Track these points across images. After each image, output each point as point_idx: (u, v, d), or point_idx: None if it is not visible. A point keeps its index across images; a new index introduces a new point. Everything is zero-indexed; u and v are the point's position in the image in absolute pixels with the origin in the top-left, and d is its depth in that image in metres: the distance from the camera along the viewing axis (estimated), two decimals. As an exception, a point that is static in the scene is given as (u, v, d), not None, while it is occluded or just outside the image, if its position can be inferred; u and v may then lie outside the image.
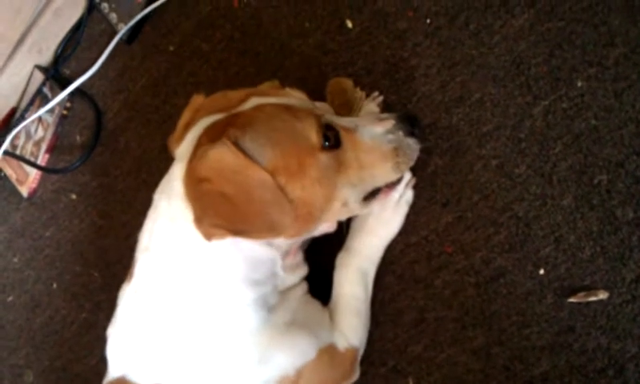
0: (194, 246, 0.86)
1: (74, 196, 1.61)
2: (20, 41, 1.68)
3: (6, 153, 1.68)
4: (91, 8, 1.69)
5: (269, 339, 0.91)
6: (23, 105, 1.76)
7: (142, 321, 0.91)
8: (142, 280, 0.91)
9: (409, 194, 1.06)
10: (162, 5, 1.55)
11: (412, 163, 0.97)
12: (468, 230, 1.03)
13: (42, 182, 1.69)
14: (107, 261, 1.48)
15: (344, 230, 1.05)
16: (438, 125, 1.09)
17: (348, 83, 1.15)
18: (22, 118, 1.74)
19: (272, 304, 0.93)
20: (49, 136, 1.68)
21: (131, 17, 1.56)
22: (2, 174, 1.78)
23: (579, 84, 0.99)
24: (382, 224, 1.06)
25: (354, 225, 1.06)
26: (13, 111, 1.81)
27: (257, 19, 1.38)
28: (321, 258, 1.05)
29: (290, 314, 0.95)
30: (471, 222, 1.03)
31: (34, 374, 1.56)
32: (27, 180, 1.69)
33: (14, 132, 1.70)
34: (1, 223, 1.76)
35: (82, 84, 1.64)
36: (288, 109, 0.89)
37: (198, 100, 0.99)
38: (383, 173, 0.96)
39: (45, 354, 1.55)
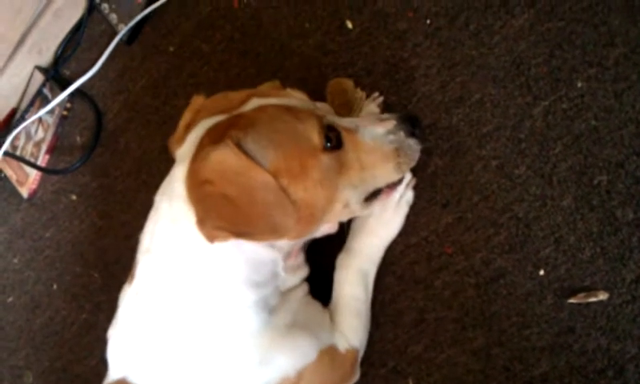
0: (195, 248, 0.85)
1: (74, 197, 1.61)
2: (20, 41, 1.68)
3: (6, 154, 1.68)
4: (91, 9, 1.69)
5: (269, 341, 0.91)
6: (23, 106, 1.76)
7: (143, 322, 0.91)
8: (144, 282, 0.91)
9: (409, 195, 1.06)
10: (162, 5, 1.55)
11: (413, 164, 0.97)
12: (468, 230, 1.03)
13: (42, 183, 1.69)
14: (107, 261, 1.48)
15: (345, 230, 1.06)
16: (438, 125, 1.09)
17: (348, 83, 1.15)
18: (22, 118, 1.74)
19: (273, 305, 0.93)
20: (49, 137, 1.68)
21: (131, 17, 1.56)
22: (2, 175, 1.78)
23: (579, 84, 0.99)
24: (382, 225, 1.06)
25: (355, 226, 1.06)
26: (13, 112, 1.81)
27: (257, 20, 1.38)
28: (321, 259, 1.05)
29: (290, 316, 0.95)
30: (471, 222, 1.03)
31: (34, 375, 1.56)
32: (27, 181, 1.69)
33: (14, 133, 1.70)
34: (1, 224, 1.76)
35: (82, 85, 1.64)
36: (289, 110, 0.89)
37: (198, 101, 0.99)
38: (384, 173, 0.96)
39: (45, 355, 1.55)
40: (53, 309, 1.56)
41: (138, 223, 0.93)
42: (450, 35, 1.11)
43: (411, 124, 0.96)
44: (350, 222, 1.06)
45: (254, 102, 0.91)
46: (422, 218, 1.07)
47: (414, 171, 1.04)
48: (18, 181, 1.72)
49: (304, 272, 1.02)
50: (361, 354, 1.03)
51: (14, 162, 1.73)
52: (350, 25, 1.23)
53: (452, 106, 1.08)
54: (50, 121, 1.69)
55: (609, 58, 0.97)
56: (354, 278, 1.04)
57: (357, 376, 1.04)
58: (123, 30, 1.57)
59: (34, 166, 1.65)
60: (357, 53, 1.21)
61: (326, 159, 0.88)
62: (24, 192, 1.70)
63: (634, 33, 0.96)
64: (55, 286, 1.58)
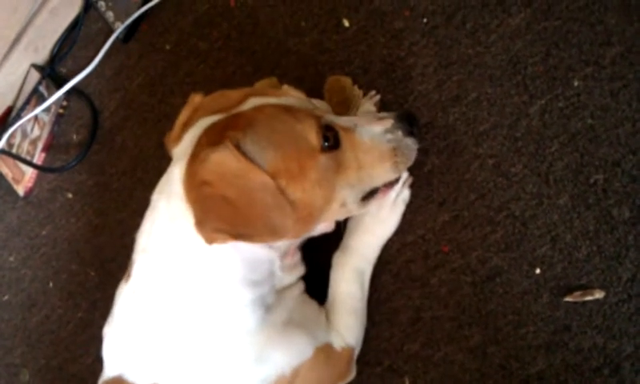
0: (192, 247, 0.85)
1: (70, 195, 1.61)
2: (16, 39, 1.67)
3: (2, 152, 1.68)
4: (88, 7, 1.69)
5: (266, 339, 0.91)
6: (19, 103, 1.76)
7: (139, 320, 0.90)
8: (141, 280, 0.90)
9: (405, 193, 1.06)
10: (158, 3, 1.55)
11: (410, 163, 0.97)
12: (464, 229, 1.03)
13: (38, 181, 1.69)
14: (103, 259, 1.48)
15: (342, 229, 1.06)
16: (434, 124, 1.09)
17: (346, 81, 1.15)
18: (18, 116, 1.73)
19: (269, 303, 0.93)
20: (45, 135, 1.67)
21: (128, 15, 1.56)
22: (-2, 173, 1.78)
23: (575, 83, 0.99)
24: (378, 223, 1.06)
25: (351, 224, 1.06)
26: (9, 110, 1.80)
27: (253, 18, 1.38)
28: (317, 257, 1.05)
29: (286, 314, 0.95)
30: (468, 221, 1.03)
31: (30, 373, 1.56)
32: (23, 179, 1.69)
33: (10, 131, 1.70)
34: (-3, 222, 1.76)
35: (79, 83, 1.64)
36: (287, 110, 0.89)
37: (196, 99, 0.98)
38: (382, 173, 0.95)
39: (41, 352, 1.55)
40: (49, 307, 1.56)
41: (134, 221, 0.93)
42: (446, 34, 1.12)
43: (409, 123, 0.96)
44: (346, 220, 1.06)
45: (252, 102, 0.90)
46: (418, 217, 1.07)
47: (411, 170, 1.04)
48: (14, 179, 1.72)
49: (300, 271, 1.01)
50: (357, 352, 1.03)
51: (10, 160, 1.73)
52: (346, 23, 1.23)
53: (448, 104, 1.08)
54: (46, 119, 1.68)
55: (605, 57, 0.98)
56: (350, 277, 1.04)
57: (353, 374, 1.04)
58: (120, 28, 1.57)
59: (30, 164, 1.65)
60: (353, 51, 1.21)
61: (323, 159, 0.88)
62: (20, 190, 1.70)
63: (630, 32, 0.96)
64: (51, 284, 1.58)
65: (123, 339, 0.93)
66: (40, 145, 1.68)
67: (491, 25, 1.07)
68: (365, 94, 1.14)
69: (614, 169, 0.94)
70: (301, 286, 1.01)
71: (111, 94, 1.59)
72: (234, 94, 0.94)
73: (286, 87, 1.01)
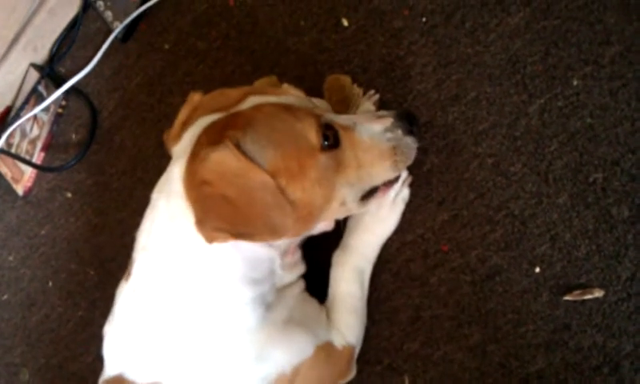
0: (192, 246, 0.85)
1: (69, 194, 1.60)
2: (15, 39, 1.67)
3: (1, 151, 1.68)
4: (86, 6, 1.69)
5: (266, 337, 0.91)
6: (18, 103, 1.76)
7: (139, 319, 0.90)
8: (141, 279, 0.90)
9: (405, 192, 1.06)
10: (157, 3, 1.55)
11: (410, 162, 0.97)
12: (464, 228, 1.03)
13: (37, 181, 1.69)
14: (103, 259, 1.48)
15: (342, 227, 1.06)
16: (433, 123, 1.09)
17: (346, 80, 1.15)
18: (18, 116, 1.73)
19: (269, 302, 0.93)
20: (44, 134, 1.67)
21: (126, 15, 1.56)
22: (-3, 173, 1.78)
23: (575, 82, 0.99)
24: (378, 222, 1.06)
25: (351, 223, 1.06)
26: (8, 109, 1.80)
27: (252, 17, 1.38)
28: (318, 256, 1.05)
29: (287, 312, 0.95)
30: (467, 220, 1.03)
31: (30, 372, 1.56)
32: (22, 178, 1.69)
33: (9, 130, 1.70)
34: (-4, 222, 1.76)
35: (78, 82, 1.64)
36: (287, 108, 0.89)
37: (195, 97, 0.97)
38: (381, 171, 0.95)
39: (41, 352, 1.55)
40: (48, 306, 1.56)
41: (133, 220, 0.93)
42: (445, 33, 1.12)
43: (409, 121, 0.95)
44: (346, 219, 1.06)
45: (252, 100, 0.90)
46: (417, 216, 1.07)
47: (410, 169, 1.04)
48: (13, 178, 1.72)
49: (301, 269, 1.01)
50: (357, 350, 1.03)
51: (9, 160, 1.73)
52: (345, 22, 1.23)
53: (448, 103, 1.08)
54: (45, 118, 1.68)
55: (604, 56, 0.98)
56: (350, 276, 1.04)
57: (353, 373, 1.04)
58: (118, 28, 1.57)
59: (29, 163, 1.65)
60: (352, 50, 1.21)
61: (323, 158, 0.88)
62: (19, 189, 1.70)
63: (629, 31, 0.97)
64: (51, 284, 1.57)
65: (124, 338, 0.92)
66: (39, 144, 1.68)
67: (490, 24, 1.07)
68: (364, 93, 1.14)
69: (613, 168, 0.94)
70: (301, 284, 1.01)
71: (110, 94, 1.59)
72: (233, 93, 0.94)
73: (285, 86, 1.01)
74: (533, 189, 0.99)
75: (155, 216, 0.89)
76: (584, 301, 0.92)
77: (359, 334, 1.03)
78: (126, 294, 0.93)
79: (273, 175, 0.82)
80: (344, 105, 1.11)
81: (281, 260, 0.94)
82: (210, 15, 1.45)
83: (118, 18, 1.58)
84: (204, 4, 1.47)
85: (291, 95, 0.95)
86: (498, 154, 1.02)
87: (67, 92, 1.64)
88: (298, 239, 0.97)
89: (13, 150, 1.72)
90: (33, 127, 1.70)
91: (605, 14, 0.99)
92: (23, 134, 1.72)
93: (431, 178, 1.07)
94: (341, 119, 0.93)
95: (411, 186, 1.06)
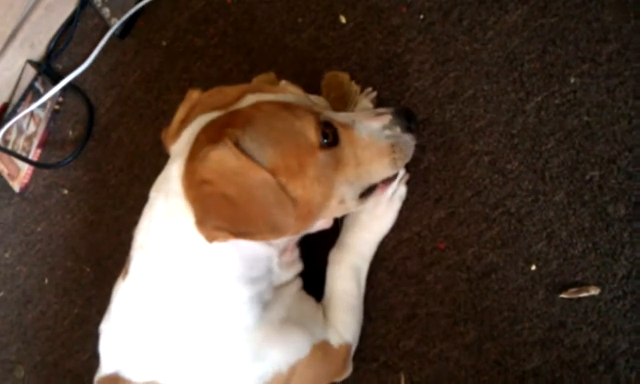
0: (190, 244, 0.84)
1: (65, 191, 1.60)
2: (12, 35, 1.67)
3: (-3, 147, 1.68)
4: (84, 3, 1.68)
5: (263, 336, 0.90)
6: (15, 100, 1.76)
7: (136, 317, 0.90)
8: (138, 277, 0.90)
9: (402, 190, 1.06)
10: (154, 0, 1.54)
11: (408, 159, 0.97)
12: (460, 225, 1.03)
13: (33, 177, 1.69)
14: (99, 256, 1.48)
15: (339, 225, 1.06)
16: (431, 121, 1.09)
17: (344, 77, 1.15)
18: (14, 112, 1.73)
19: (267, 300, 0.92)
20: (41, 131, 1.67)
21: (124, 11, 1.56)
22: (-6, 169, 1.77)
23: (572, 80, 0.99)
24: (374, 220, 1.06)
25: (347, 221, 1.06)
26: (5, 106, 1.80)
27: (250, 14, 1.38)
28: (314, 254, 1.05)
29: (284, 311, 0.95)
30: (463, 217, 1.03)
31: (26, 369, 1.55)
32: (19, 175, 1.69)
33: (5, 127, 1.70)
34: (-8, 218, 1.76)
35: (75, 79, 1.63)
36: (286, 106, 0.88)
37: (193, 95, 0.97)
38: (380, 169, 0.95)
39: (36, 349, 1.55)
40: (44, 303, 1.56)
41: (130, 218, 0.93)
42: (443, 30, 1.12)
43: (407, 119, 0.95)
44: (343, 217, 1.06)
45: (250, 98, 0.89)
46: (414, 213, 1.07)
47: (407, 167, 1.04)
48: (9, 175, 1.72)
49: (298, 267, 1.01)
50: (353, 348, 1.03)
51: (6, 156, 1.73)
52: (343, 20, 1.23)
53: (445, 101, 1.08)
54: (42, 115, 1.68)
55: (602, 54, 0.98)
56: (347, 274, 1.04)
57: (349, 371, 1.04)
58: (116, 24, 1.57)
59: (25, 160, 1.65)
60: (350, 48, 1.21)
61: (323, 156, 0.87)
62: (15, 186, 1.70)
63: (626, 29, 0.97)
64: (47, 281, 1.57)
65: (120, 336, 0.92)
66: (36, 141, 1.67)
67: (488, 21, 1.07)
68: (362, 91, 1.14)
69: (610, 166, 0.94)
70: (298, 282, 1.01)
71: (107, 91, 1.59)
72: (231, 91, 0.93)
73: (283, 83, 1.01)
74: (529, 186, 0.99)
75: (153, 214, 0.89)
76: (580, 298, 0.92)
77: (356, 331, 1.03)
78: (123, 292, 0.92)
79: (273, 173, 0.82)
80: (342, 102, 1.11)
81: (279, 258, 0.94)
82: (208, 12, 1.45)
83: (116, 14, 1.58)
84: (201, 1, 1.47)
85: (290, 92, 0.94)
86: (495, 152, 1.02)
87: (64, 89, 1.64)
88: (296, 237, 0.97)
89: (9, 147, 1.72)
90: (29, 124, 1.70)
91: (602, 12, 0.99)
92: (20, 131, 1.72)
93: (428, 175, 1.07)
94: (340, 117, 0.93)
95: (408, 183, 1.06)
